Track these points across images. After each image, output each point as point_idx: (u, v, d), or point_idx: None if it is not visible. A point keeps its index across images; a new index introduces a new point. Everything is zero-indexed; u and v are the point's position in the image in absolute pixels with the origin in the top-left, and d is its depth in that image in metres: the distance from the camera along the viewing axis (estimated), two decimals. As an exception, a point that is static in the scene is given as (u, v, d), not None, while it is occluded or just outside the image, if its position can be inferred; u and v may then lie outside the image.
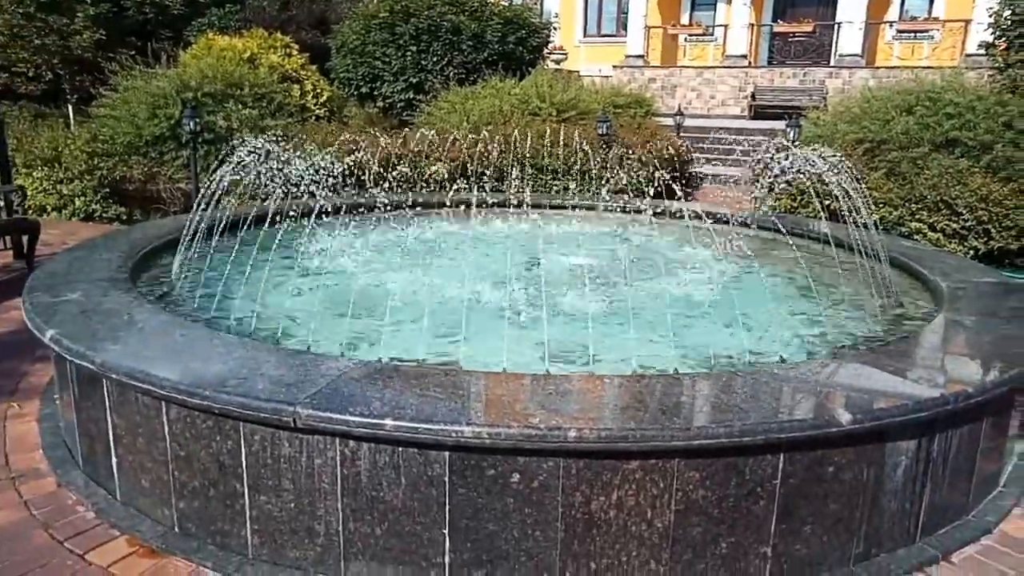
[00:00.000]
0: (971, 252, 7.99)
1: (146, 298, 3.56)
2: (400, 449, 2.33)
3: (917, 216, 8.06)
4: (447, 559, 2.40)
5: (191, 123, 8.75)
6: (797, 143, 9.60)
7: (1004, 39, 11.26)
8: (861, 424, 2.37)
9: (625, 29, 24.39)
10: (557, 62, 23.31)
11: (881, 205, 8.24)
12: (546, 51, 16.03)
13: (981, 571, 2.64)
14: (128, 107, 9.22)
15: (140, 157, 8.90)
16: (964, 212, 7.89)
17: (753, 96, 20.86)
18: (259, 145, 4.68)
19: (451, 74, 13.39)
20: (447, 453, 2.31)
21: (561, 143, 9.39)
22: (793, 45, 23.73)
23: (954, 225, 8.00)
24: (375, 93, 13.82)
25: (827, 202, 8.61)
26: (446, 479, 2.33)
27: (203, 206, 4.39)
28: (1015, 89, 9.11)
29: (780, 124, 10.47)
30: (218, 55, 10.07)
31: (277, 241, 4.61)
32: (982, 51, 14.01)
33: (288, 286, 4.32)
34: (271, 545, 2.54)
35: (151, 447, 2.68)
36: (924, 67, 14.93)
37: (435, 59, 13.44)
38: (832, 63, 21.39)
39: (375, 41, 13.53)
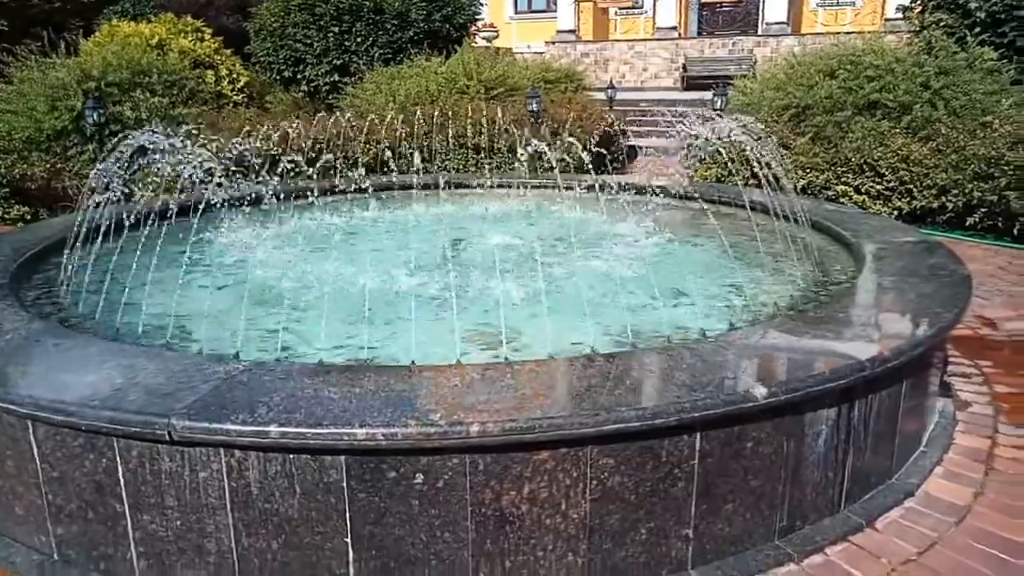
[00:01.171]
0: (895, 212, 8.12)
1: (24, 305, 3.26)
2: (291, 456, 2.15)
3: (843, 179, 8.14)
4: (351, 570, 2.23)
5: (94, 115, 8.27)
6: (723, 112, 9.62)
7: (919, 2, 11.47)
8: (777, 397, 2.28)
9: (556, 4, 24.16)
10: (488, 39, 22.97)
11: (808, 170, 8.30)
12: (474, 28, 15.72)
13: (904, 534, 2.61)
14: (25, 100, 8.63)
15: (42, 153, 8.35)
16: (887, 173, 7.99)
17: (684, 67, 20.97)
18: (154, 138, 4.36)
19: (376, 54, 13.01)
20: (343, 458, 2.13)
21: (488, 122, 9.18)
22: (721, 16, 23.91)
23: (878, 186, 8.10)
24: (299, 77, 13.33)
25: (756, 169, 8.70)
26: (344, 485, 2.16)
27: (93, 203, 4.07)
28: (930, 50, 9.24)
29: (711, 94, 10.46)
30: (123, 42, 9.51)
31: (180, 236, 4.35)
32: (900, 15, 14.29)
33: (195, 283, 4.05)
34: (159, 567, 2.34)
35: (21, 470, 2.43)
36: (847, 32, 15.17)
37: (359, 40, 13.02)
38: (760, 32, 21.65)
39: (295, 23, 13.01)
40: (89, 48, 9.59)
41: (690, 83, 19.92)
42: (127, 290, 3.50)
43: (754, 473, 2.43)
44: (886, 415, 2.77)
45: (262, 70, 13.53)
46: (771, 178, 4.96)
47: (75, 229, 4.07)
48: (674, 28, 22.59)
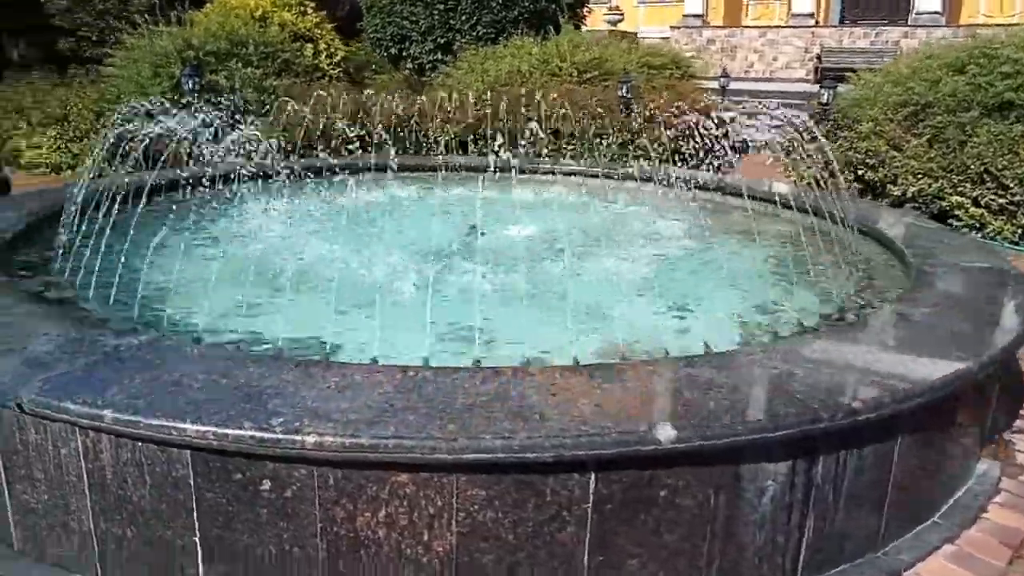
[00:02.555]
0: (1021, 231, 7.09)
1: None
2: (140, 445, 2.00)
3: (959, 189, 7.18)
4: (201, 570, 2.07)
5: (190, 82, 8.61)
6: (832, 108, 8.77)
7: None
8: (690, 443, 1.90)
9: (685, -13, 23.18)
10: (612, 23, 22.43)
11: (919, 176, 7.38)
12: (587, 10, 15.22)
13: (868, 624, 2.15)
14: (135, 66, 9.14)
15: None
16: (1012, 185, 6.97)
17: (819, 58, 19.56)
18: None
19: (480, 33, 12.88)
20: (188, 453, 1.97)
21: (572, 106, 8.80)
22: (867, 3, 22.04)
23: (1001, 200, 7.08)
24: (404, 54, 13.45)
25: (860, 172, 7.85)
26: (191, 482, 1.99)
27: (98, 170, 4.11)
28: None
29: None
30: (226, 12, 9.87)
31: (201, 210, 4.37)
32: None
33: (197, 254, 4.04)
34: (34, 540, 2.27)
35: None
36: (1016, 24, 13.46)
37: (463, 18, 12.93)
38: (909, 21, 19.79)
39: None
40: (197, 18, 10.01)
41: (823, 75, 18.49)
42: (132, 257, 3.48)
43: (669, 527, 2.05)
44: (870, 476, 2.29)
45: (372, 46, 13.76)
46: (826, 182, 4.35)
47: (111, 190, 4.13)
48: (811, 15, 21.05)
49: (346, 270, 3.75)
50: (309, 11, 10.90)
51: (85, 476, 2.10)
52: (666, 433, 1.88)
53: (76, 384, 2.05)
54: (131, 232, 3.52)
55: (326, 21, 11.20)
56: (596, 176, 6.22)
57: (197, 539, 2.04)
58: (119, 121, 4.32)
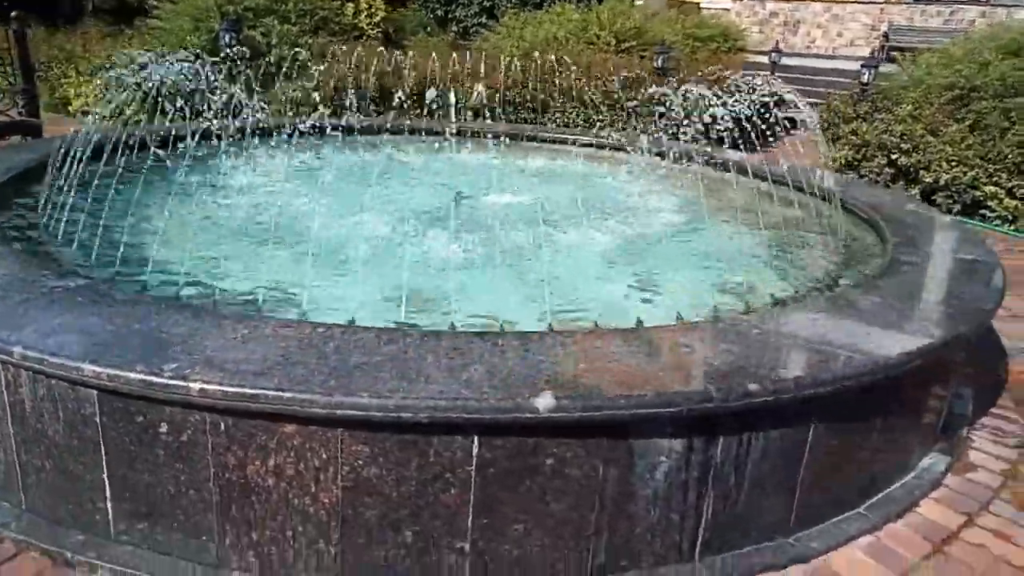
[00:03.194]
0: (1060, 225, 6.73)
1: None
2: (54, 382, 2.10)
3: (994, 178, 6.83)
4: (109, 507, 2.18)
5: (227, 36, 8.77)
6: (871, 88, 8.41)
7: None
8: (568, 413, 1.90)
9: (751, -44, 22.29)
10: (674, -8, 21.83)
11: (954, 163, 7.04)
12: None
13: (758, 609, 2.13)
14: (178, 19, 9.36)
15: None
16: (1053, 177, 6.61)
17: (886, 36, 18.66)
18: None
19: (525, -2, 12.75)
20: (94, 392, 2.06)
21: (605, 75, 8.65)
22: (946, -22, 20.85)
23: (1039, 192, 6.73)
24: (450, 17, 13.42)
25: (894, 156, 7.52)
26: (98, 420, 2.09)
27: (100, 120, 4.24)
28: None
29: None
30: (269, -32, 9.97)
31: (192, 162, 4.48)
32: None
33: (191, 205, 4.14)
34: (-30, 465, 2.42)
35: None
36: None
37: (510, -18, 12.81)
38: (989, 0, 18.67)
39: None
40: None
41: (889, 54, 17.71)
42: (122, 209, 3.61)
43: (556, 496, 2.06)
44: (778, 461, 2.25)
45: (419, 8, 13.76)
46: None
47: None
48: (882, -10, 20.05)
49: (322, 228, 3.81)
50: (354, -32, 10.94)
51: (7, 408, 2.22)
52: (545, 402, 1.88)
53: (1, 320, 2.16)
54: (115, 183, 3.66)
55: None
56: (611, 148, 6.10)
57: (104, 476, 2.15)
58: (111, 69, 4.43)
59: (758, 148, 8.37)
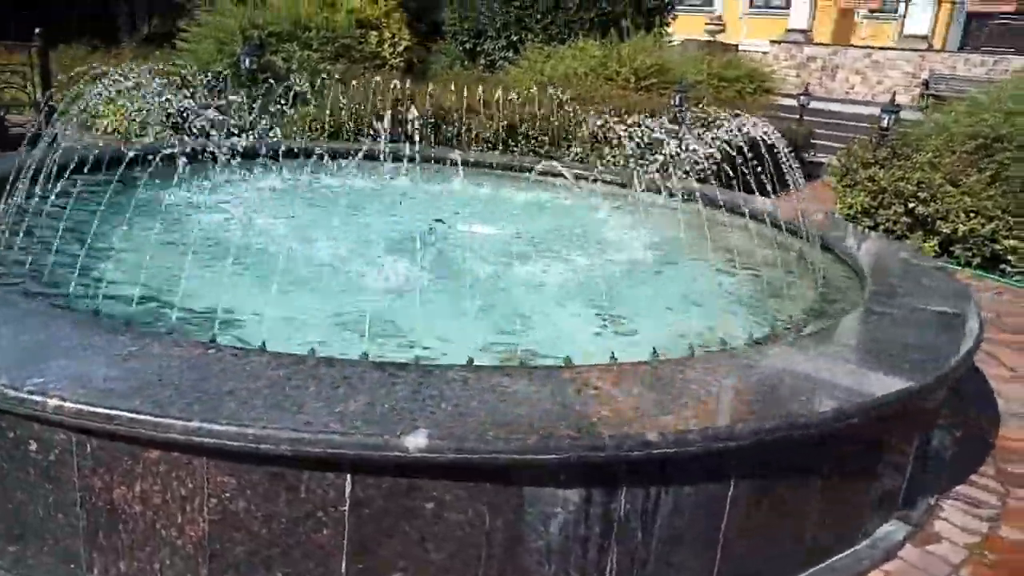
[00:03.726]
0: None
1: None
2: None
3: (1015, 231, 6.52)
4: (-17, 523, 2.09)
5: (247, 60, 8.94)
6: (892, 133, 8.17)
7: None
8: (442, 454, 1.76)
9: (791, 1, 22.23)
10: (712, 33, 21.81)
11: (973, 215, 6.75)
12: (670, 17, 14.82)
13: None
14: (203, 43, 9.58)
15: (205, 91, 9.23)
16: (1079, 232, 6.29)
17: (926, 84, 18.32)
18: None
19: (554, 33, 12.77)
20: (-33, 404, 1.98)
21: (618, 112, 8.56)
22: (993, 29, 20.47)
23: (1065, 249, 6.41)
24: (478, 49, 13.53)
25: (911, 205, 7.24)
26: (-29, 433, 2.02)
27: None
28: None
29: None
30: (302, -4, 10.20)
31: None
32: None
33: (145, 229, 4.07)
34: None
35: None
36: None
37: (538, 17, 12.86)
38: (1037, 50, 18.26)
39: (479, -6, 13.20)
40: (279, 2, 10.35)
41: (928, 102, 17.37)
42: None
43: (437, 542, 1.91)
44: (693, 520, 2.07)
45: (450, 40, 13.93)
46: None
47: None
48: (924, 38, 19.76)
49: (293, 250, 3.74)
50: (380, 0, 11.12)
51: None
52: (416, 442, 1.75)
53: None
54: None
55: (396, 10, 11.38)
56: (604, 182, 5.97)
57: (-21, 491, 2.07)
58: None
59: (776, 191, 8.16)
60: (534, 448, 1.79)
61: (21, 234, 3.35)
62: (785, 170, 4.61)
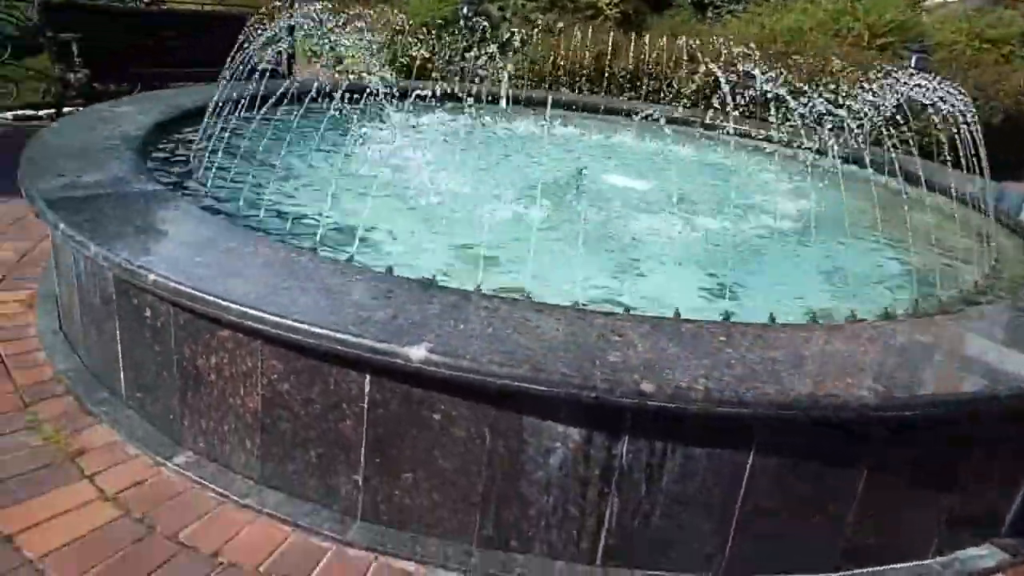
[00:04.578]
0: None
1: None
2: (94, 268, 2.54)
3: None
4: (122, 375, 2.59)
5: (465, 7, 9.39)
6: None
7: None
8: (437, 368, 1.88)
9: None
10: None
11: None
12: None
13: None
14: (427, -8, 10.19)
15: (429, 37, 9.85)
16: None
17: None
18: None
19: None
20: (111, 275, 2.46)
21: (832, 73, 7.80)
22: None
23: None
24: (704, 1, 12.93)
25: None
26: (114, 300, 2.49)
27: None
28: None
29: None
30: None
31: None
32: None
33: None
34: None
35: None
36: None
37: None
38: None
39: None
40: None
41: None
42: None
43: (444, 454, 2.06)
44: (705, 484, 2.01)
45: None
46: None
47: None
48: None
49: (429, 185, 4.01)
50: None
51: (75, 278, 2.72)
52: (417, 353, 1.89)
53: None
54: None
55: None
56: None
57: (119, 349, 2.56)
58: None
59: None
60: (523, 377, 1.85)
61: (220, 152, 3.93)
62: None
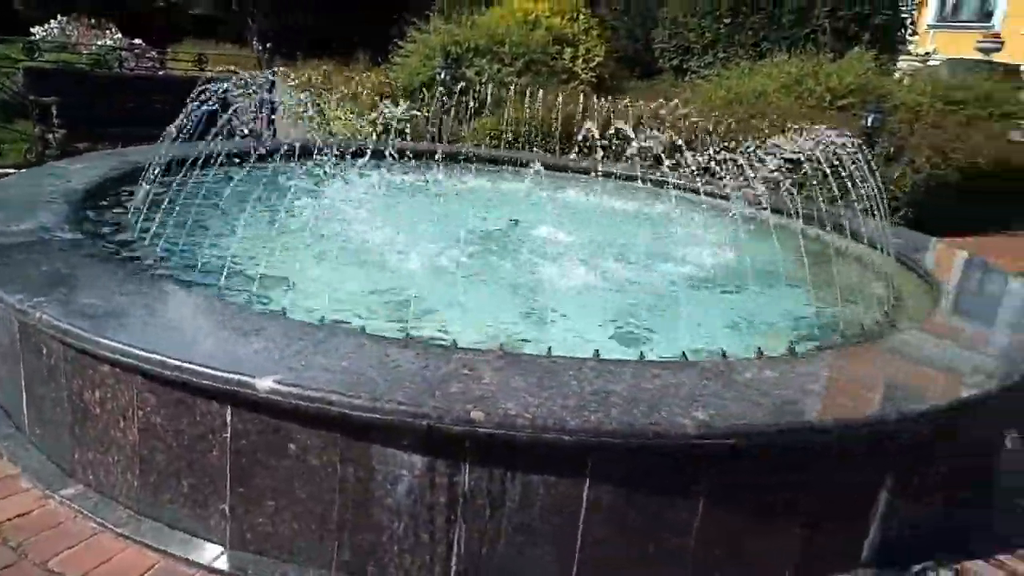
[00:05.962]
0: None
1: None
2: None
3: None
4: (25, 411, 2.72)
5: (443, 73, 9.80)
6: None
7: None
8: (285, 398, 2.00)
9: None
10: (985, 51, 19.46)
11: None
12: (908, 33, 13.47)
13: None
14: (412, 57, 10.62)
15: (408, 100, 10.24)
16: None
17: None
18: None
19: (763, 50, 12.25)
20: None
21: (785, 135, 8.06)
22: None
23: None
24: (684, 67, 13.39)
25: None
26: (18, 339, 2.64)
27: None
28: None
29: None
30: (503, 16, 10.82)
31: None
32: None
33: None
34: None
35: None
36: None
37: (748, 33, 12.43)
38: None
39: (694, 12, 13.03)
40: (480, 20, 11.14)
41: None
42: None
43: (302, 483, 2.16)
44: (543, 513, 2.09)
45: (658, 56, 13.96)
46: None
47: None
48: None
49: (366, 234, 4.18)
50: (582, 16, 11.45)
51: None
52: (263, 384, 2.01)
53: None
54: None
55: (596, 27, 11.67)
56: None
57: (23, 387, 2.69)
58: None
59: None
60: (360, 407, 1.97)
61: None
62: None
